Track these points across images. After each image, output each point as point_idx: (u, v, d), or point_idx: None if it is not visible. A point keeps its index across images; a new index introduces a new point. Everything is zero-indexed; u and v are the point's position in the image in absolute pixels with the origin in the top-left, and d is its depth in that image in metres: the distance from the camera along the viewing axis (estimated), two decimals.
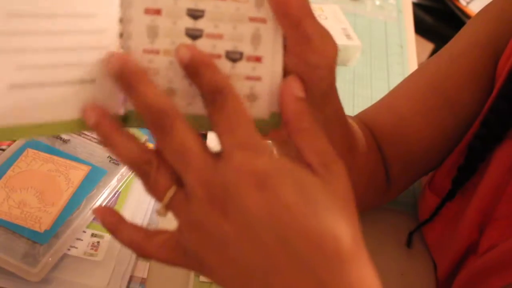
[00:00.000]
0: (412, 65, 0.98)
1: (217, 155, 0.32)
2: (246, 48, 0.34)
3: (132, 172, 0.35)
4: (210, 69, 0.33)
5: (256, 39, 0.34)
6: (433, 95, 0.58)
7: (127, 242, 0.35)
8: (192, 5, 0.33)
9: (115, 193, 0.58)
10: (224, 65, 0.34)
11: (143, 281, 0.53)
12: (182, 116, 0.32)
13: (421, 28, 1.41)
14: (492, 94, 0.55)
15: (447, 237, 0.59)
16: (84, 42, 0.33)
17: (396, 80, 0.65)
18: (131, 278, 0.53)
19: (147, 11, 0.33)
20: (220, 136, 0.33)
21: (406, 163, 0.60)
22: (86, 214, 0.55)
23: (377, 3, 1.13)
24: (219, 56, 0.34)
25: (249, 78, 0.35)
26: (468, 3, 1.58)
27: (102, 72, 0.33)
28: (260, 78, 0.35)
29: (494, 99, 0.54)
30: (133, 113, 0.35)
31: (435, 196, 0.61)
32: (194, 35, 0.34)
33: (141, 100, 0.32)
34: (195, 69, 0.33)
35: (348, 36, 0.92)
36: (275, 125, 0.36)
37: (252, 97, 0.35)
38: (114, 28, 0.33)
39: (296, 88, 0.34)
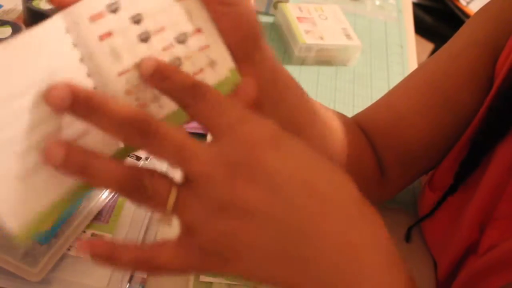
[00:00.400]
0: (412, 65, 0.99)
1: (210, 143, 0.33)
2: (186, 27, 0.37)
3: (123, 194, 0.32)
4: (176, 70, 0.33)
5: (188, 15, 0.37)
6: (432, 94, 0.58)
7: (132, 264, 0.32)
8: (131, 13, 0.35)
9: (115, 193, 0.58)
10: (180, 49, 0.36)
11: (143, 281, 0.53)
12: (159, 119, 0.32)
13: (421, 28, 1.41)
14: (490, 93, 0.55)
15: (447, 237, 0.59)
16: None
17: (396, 80, 0.65)
18: (131, 278, 0.53)
19: (101, 38, 0.34)
20: (211, 121, 0.33)
21: (405, 161, 0.60)
22: (86, 214, 0.55)
23: (377, 3, 1.13)
24: (172, 45, 0.36)
25: (201, 49, 0.37)
26: (468, 3, 1.58)
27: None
28: (208, 45, 0.37)
29: (493, 97, 0.54)
30: None
31: (435, 194, 0.61)
32: (145, 38, 0.35)
33: (115, 120, 0.31)
34: (162, 75, 0.33)
35: (348, 36, 0.92)
36: (238, 79, 0.38)
37: (212, 63, 0.38)
38: (78, 72, 0.33)
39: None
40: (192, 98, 0.33)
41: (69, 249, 0.53)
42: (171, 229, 0.59)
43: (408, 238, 0.65)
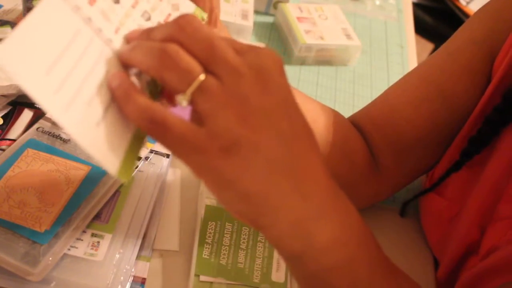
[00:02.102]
0: (412, 65, 0.99)
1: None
2: None
3: (157, 62, 0.34)
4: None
5: None
6: (426, 87, 0.59)
7: (143, 107, 0.34)
8: None
9: (115, 193, 0.58)
10: (146, 4, 0.41)
11: (143, 281, 0.53)
12: None
13: (421, 28, 1.41)
14: (487, 90, 0.55)
15: (447, 236, 0.59)
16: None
17: (396, 80, 0.65)
18: (131, 278, 0.53)
19: (90, 3, 0.37)
20: (225, 55, 0.34)
21: (399, 155, 0.60)
22: (86, 214, 0.55)
23: (377, 3, 1.13)
24: (138, 2, 0.41)
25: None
26: (468, 3, 1.58)
27: None
28: None
29: (491, 94, 0.54)
30: None
31: (435, 193, 0.61)
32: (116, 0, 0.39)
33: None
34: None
35: (348, 36, 0.92)
36: (203, 14, 0.46)
37: (175, 7, 0.44)
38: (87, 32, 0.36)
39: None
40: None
41: (69, 249, 0.53)
42: (171, 230, 0.59)
43: (402, 213, 0.67)
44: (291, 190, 0.34)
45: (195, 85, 0.33)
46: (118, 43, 0.38)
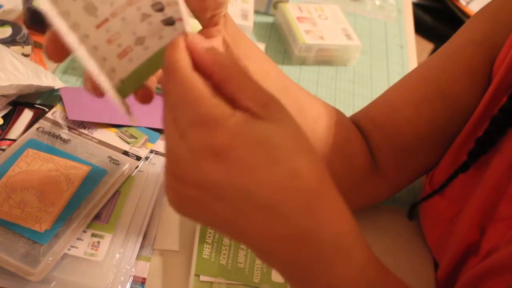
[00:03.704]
0: (412, 65, 0.99)
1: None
2: None
3: None
4: None
5: None
6: (426, 87, 0.59)
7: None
8: None
9: (115, 193, 0.58)
10: (156, 17, 0.38)
11: (143, 281, 0.53)
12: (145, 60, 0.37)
13: (421, 28, 1.41)
14: (488, 90, 0.55)
15: (448, 237, 0.59)
16: None
17: (396, 80, 0.65)
18: (131, 278, 0.53)
19: None
20: (171, 110, 0.35)
21: (400, 155, 0.60)
22: (86, 214, 0.55)
23: (377, 3, 1.13)
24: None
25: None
26: (468, 3, 1.58)
27: None
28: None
29: (492, 94, 0.54)
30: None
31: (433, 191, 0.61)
32: None
33: None
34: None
35: (348, 36, 0.92)
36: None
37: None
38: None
39: (200, 41, 0.36)
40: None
41: (69, 249, 0.53)
42: (171, 230, 0.59)
43: (410, 216, 0.66)
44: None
45: None
46: None
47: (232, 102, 0.35)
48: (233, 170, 0.33)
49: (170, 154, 0.35)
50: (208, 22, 0.47)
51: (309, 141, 0.36)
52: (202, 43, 0.36)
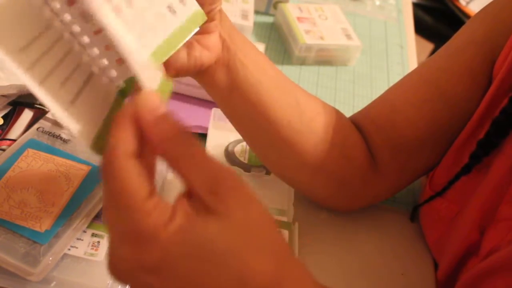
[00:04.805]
0: (412, 65, 0.99)
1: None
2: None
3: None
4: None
5: None
6: (427, 88, 0.58)
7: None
8: None
9: None
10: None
11: None
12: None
13: (421, 28, 1.41)
14: (488, 91, 0.55)
15: (448, 237, 0.59)
16: None
17: (396, 80, 0.65)
18: None
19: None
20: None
21: (400, 156, 0.60)
22: (86, 214, 0.55)
23: (377, 3, 1.13)
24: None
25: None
26: (468, 3, 1.58)
27: None
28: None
29: (493, 95, 0.54)
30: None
31: (435, 193, 0.60)
32: None
33: None
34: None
35: (348, 36, 0.92)
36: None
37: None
38: None
39: (150, 109, 0.32)
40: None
41: (69, 249, 0.53)
42: None
43: (412, 218, 0.66)
44: None
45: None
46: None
47: (182, 181, 0.32)
48: (169, 283, 0.31)
49: (110, 246, 0.33)
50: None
51: (266, 229, 0.33)
52: (152, 112, 0.32)
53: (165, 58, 0.40)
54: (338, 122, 0.59)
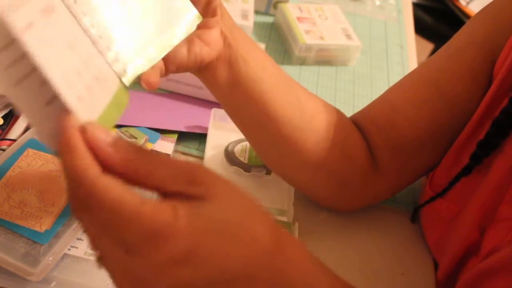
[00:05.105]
0: (412, 65, 0.99)
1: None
2: None
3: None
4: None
5: None
6: (427, 88, 0.58)
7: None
8: None
9: None
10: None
11: None
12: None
13: (421, 28, 1.41)
14: (489, 91, 0.55)
15: (448, 237, 0.59)
16: None
17: (396, 80, 0.65)
18: None
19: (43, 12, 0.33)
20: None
21: (400, 156, 0.60)
22: None
23: (377, 3, 1.13)
24: None
25: None
26: (468, 3, 1.58)
27: None
28: None
29: (493, 96, 0.54)
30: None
31: (435, 194, 0.60)
32: None
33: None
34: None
35: (348, 36, 0.92)
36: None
37: None
38: None
39: (103, 137, 0.31)
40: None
41: (69, 249, 0.53)
42: None
43: (413, 219, 0.66)
44: None
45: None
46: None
47: (159, 192, 0.33)
48: (199, 265, 0.32)
49: (121, 277, 0.32)
50: (206, 12, 0.47)
51: (251, 200, 0.35)
52: (103, 137, 0.31)
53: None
54: (339, 121, 0.59)
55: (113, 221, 0.30)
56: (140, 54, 0.41)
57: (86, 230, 0.33)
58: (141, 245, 0.31)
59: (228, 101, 0.56)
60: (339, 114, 0.61)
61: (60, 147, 0.30)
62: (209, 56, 0.50)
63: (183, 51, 0.48)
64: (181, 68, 0.49)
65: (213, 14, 0.48)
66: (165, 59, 0.45)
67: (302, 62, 0.91)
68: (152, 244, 0.30)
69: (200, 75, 0.54)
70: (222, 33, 0.51)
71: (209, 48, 0.50)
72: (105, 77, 0.37)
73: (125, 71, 0.39)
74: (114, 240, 0.31)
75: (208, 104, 0.75)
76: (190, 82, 0.74)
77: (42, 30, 0.31)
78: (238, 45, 0.52)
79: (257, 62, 0.54)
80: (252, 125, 0.57)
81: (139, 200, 0.30)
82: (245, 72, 0.53)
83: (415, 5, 1.43)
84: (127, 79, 0.39)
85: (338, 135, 0.59)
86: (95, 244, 0.33)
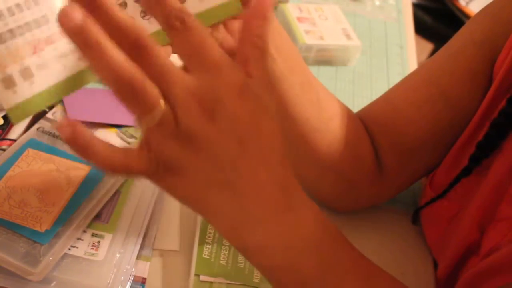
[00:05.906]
0: (412, 65, 0.99)
1: (190, 74, 0.34)
2: None
3: (113, 89, 0.33)
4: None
5: None
6: (428, 88, 0.58)
7: (103, 155, 0.34)
8: None
9: (115, 193, 0.58)
10: None
11: (143, 281, 0.53)
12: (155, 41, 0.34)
13: (421, 28, 1.41)
14: (489, 91, 0.55)
15: (447, 236, 0.59)
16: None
17: (396, 80, 0.65)
18: (131, 278, 0.53)
19: None
20: (196, 51, 0.34)
21: (402, 156, 0.60)
22: (86, 214, 0.55)
23: (377, 3, 1.13)
24: None
25: None
26: (467, 3, 1.58)
27: None
28: None
29: (493, 96, 0.54)
30: None
31: (435, 193, 0.61)
32: None
33: (113, 25, 0.32)
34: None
35: (348, 36, 0.92)
36: (238, 8, 0.44)
37: None
38: None
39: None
40: (180, 23, 0.33)
41: (69, 249, 0.53)
42: (171, 230, 0.59)
43: (414, 220, 0.66)
44: (229, 201, 0.36)
45: (151, 121, 0.34)
46: None
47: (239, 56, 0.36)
48: (256, 98, 0.36)
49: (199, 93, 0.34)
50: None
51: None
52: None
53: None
54: (353, 122, 0.60)
55: (199, 39, 0.34)
56: None
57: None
58: (223, 64, 0.34)
59: None
60: (351, 116, 0.61)
61: None
62: (229, 46, 0.47)
63: None
64: None
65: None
66: None
67: None
68: (231, 66, 0.34)
69: None
70: None
71: (232, 39, 0.47)
72: None
73: None
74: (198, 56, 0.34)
75: None
76: None
77: None
78: (271, 43, 0.51)
79: (285, 59, 0.53)
80: None
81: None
82: (271, 68, 0.52)
83: (415, 5, 1.43)
84: None
85: (351, 138, 0.58)
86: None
